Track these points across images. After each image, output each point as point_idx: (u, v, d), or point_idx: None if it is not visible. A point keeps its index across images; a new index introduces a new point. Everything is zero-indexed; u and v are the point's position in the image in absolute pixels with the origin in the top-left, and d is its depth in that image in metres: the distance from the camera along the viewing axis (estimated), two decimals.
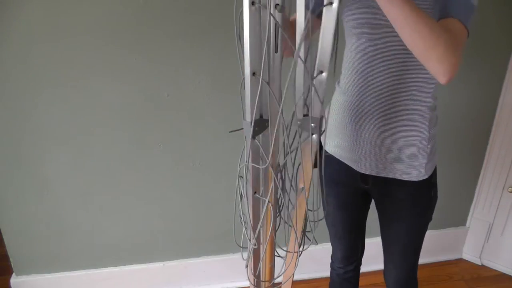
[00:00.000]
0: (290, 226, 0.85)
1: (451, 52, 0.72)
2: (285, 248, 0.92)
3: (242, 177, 0.79)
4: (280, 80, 0.75)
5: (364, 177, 1.08)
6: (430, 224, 1.14)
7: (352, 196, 1.17)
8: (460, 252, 2.10)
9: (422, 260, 1.22)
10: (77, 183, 1.66)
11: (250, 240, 0.85)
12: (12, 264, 1.80)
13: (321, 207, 0.87)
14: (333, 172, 1.12)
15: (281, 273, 0.93)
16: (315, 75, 0.70)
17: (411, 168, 1.02)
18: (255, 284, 0.93)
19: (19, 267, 1.81)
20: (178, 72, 1.52)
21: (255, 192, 0.81)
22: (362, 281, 1.40)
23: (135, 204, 1.73)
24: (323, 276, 1.89)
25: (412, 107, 0.97)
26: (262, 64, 0.68)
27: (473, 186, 1.96)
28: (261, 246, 0.89)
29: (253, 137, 0.74)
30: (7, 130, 1.54)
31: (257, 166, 0.78)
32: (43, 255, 1.79)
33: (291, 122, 0.76)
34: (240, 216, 0.85)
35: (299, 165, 0.82)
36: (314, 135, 0.76)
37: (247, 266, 0.89)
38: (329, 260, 1.38)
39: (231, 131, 0.86)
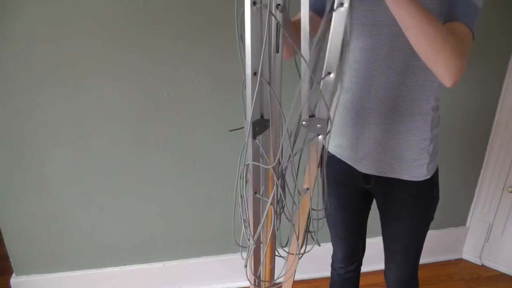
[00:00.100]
0: (293, 225, 0.84)
1: (457, 56, 0.73)
2: (285, 248, 0.92)
3: (243, 177, 0.78)
4: (281, 80, 0.75)
5: (367, 177, 1.08)
6: (430, 224, 1.14)
7: (353, 196, 1.17)
8: (460, 252, 2.10)
9: (422, 260, 1.22)
10: (77, 183, 1.66)
11: (249, 240, 0.85)
12: (12, 264, 1.80)
13: (325, 207, 0.87)
14: (334, 172, 1.12)
15: (281, 274, 0.93)
16: (322, 76, 0.70)
17: (413, 168, 1.02)
18: (255, 284, 0.93)
19: (19, 267, 1.81)
20: (178, 72, 1.52)
21: (256, 192, 0.81)
22: (362, 281, 1.40)
23: (135, 204, 1.73)
24: (323, 276, 1.89)
25: (414, 107, 0.97)
26: (261, 64, 0.68)
27: (473, 186, 1.96)
28: (261, 246, 0.89)
29: (254, 137, 0.74)
30: (7, 130, 1.54)
31: (263, 166, 0.78)
32: (43, 255, 1.79)
33: (298, 123, 0.76)
34: (241, 216, 0.85)
35: (298, 166, 0.82)
36: (320, 136, 0.75)
37: (246, 266, 0.89)
38: (330, 260, 1.38)
39: (231, 130, 0.86)
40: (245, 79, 0.70)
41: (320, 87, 0.71)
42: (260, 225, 0.83)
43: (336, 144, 1.10)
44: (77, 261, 1.81)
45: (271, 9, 0.65)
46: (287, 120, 0.77)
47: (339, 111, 1.06)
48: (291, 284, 0.95)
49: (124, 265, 1.85)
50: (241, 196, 0.81)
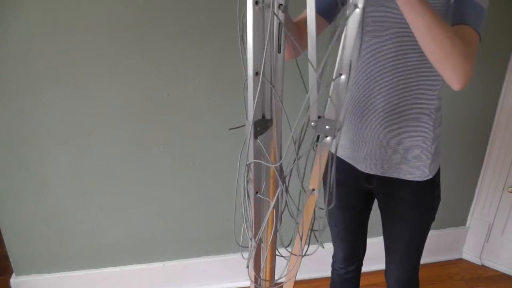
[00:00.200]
0: (297, 223, 0.84)
1: (465, 60, 0.73)
2: (288, 249, 0.92)
3: (244, 177, 0.78)
4: (283, 80, 0.75)
5: (369, 177, 1.09)
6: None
7: (354, 196, 1.17)
8: (460, 252, 2.10)
9: (422, 260, 1.22)
10: (77, 183, 1.66)
11: (251, 240, 0.85)
12: (12, 264, 1.80)
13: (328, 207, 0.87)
14: (336, 172, 1.12)
15: (283, 274, 0.93)
16: (333, 77, 0.70)
17: (416, 168, 1.02)
18: (256, 284, 0.93)
19: (19, 267, 1.81)
20: (178, 72, 1.52)
21: (257, 192, 0.81)
22: (362, 281, 1.40)
23: (135, 204, 1.73)
24: (324, 276, 1.89)
25: (418, 107, 0.97)
26: (263, 64, 0.68)
27: (473, 186, 1.96)
28: (261, 246, 0.89)
29: (256, 137, 0.74)
30: (7, 130, 1.54)
31: (269, 164, 0.77)
32: (43, 255, 1.78)
33: (307, 123, 0.75)
34: (242, 215, 0.85)
35: (305, 167, 0.82)
36: (327, 138, 0.75)
37: (248, 266, 0.89)
38: (330, 260, 1.38)
39: (231, 129, 0.86)
40: (246, 79, 0.70)
41: (331, 89, 0.70)
42: (263, 226, 0.83)
43: (339, 143, 1.10)
44: (77, 261, 1.81)
45: (274, 8, 0.65)
46: (289, 120, 0.77)
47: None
48: (292, 284, 0.95)
49: (124, 265, 1.85)
50: (244, 195, 0.81)
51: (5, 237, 1.73)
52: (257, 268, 0.91)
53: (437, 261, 2.06)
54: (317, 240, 0.85)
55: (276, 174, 0.80)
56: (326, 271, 1.47)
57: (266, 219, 0.82)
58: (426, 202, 1.09)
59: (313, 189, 0.81)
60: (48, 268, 1.81)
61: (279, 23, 0.69)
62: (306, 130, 0.77)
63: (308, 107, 0.73)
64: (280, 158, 0.81)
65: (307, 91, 0.72)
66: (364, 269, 1.38)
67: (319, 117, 0.73)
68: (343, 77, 0.69)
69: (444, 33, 0.71)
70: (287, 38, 0.74)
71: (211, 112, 1.60)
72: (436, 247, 2.01)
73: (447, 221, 2.01)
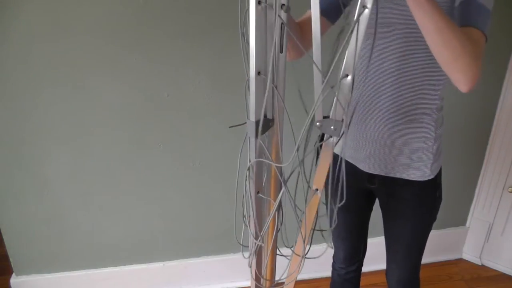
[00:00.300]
0: (300, 221, 0.84)
1: (474, 62, 0.73)
2: (286, 248, 0.92)
3: (246, 177, 0.78)
4: (285, 80, 0.75)
5: (371, 177, 1.09)
6: None
7: (356, 196, 1.17)
8: (460, 252, 2.10)
9: (422, 260, 1.22)
10: (77, 183, 1.66)
11: (256, 239, 0.85)
12: (12, 264, 1.80)
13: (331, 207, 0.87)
14: (337, 171, 1.12)
15: (284, 274, 0.93)
16: (340, 77, 0.70)
17: (418, 168, 1.03)
18: (259, 283, 0.93)
19: (19, 267, 1.81)
20: (178, 72, 1.52)
21: (258, 192, 0.81)
22: (362, 281, 1.39)
23: (135, 204, 1.73)
24: (324, 276, 1.88)
25: (421, 107, 0.97)
26: (270, 64, 0.68)
27: (473, 186, 1.96)
28: (263, 245, 0.89)
29: (257, 136, 0.74)
30: (7, 130, 1.54)
31: (275, 164, 0.77)
32: (43, 255, 1.78)
33: (310, 123, 0.75)
34: (243, 216, 0.85)
35: (312, 167, 0.81)
36: (332, 138, 0.75)
37: (250, 266, 0.89)
38: (330, 260, 1.38)
39: (231, 126, 0.86)
40: (248, 78, 0.70)
41: (337, 89, 0.70)
42: (265, 225, 0.83)
43: (340, 143, 1.10)
44: (77, 261, 1.81)
45: (276, 8, 0.65)
46: (290, 120, 0.77)
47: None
48: (294, 284, 0.95)
49: (124, 265, 1.85)
50: (245, 195, 0.81)
51: (5, 237, 1.73)
52: (258, 267, 0.91)
53: (437, 261, 2.06)
54: (323, 236, 0.85)
55: (278, 174, 0.80)
56: (326, 271, 1.47)
57: (269, 219, 0.82)
58: (428, 202, 1.09)
59: (317, 189, 0.81)
60: (48, 268, 1.81)
61: (281, 23, 0.69)
62: (311, 129, 0.77)
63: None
64: (281, 158, 0.81)
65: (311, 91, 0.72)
66: (365, 269, 1.38)
67: (324, 117, 0.73)
68: (349, 77, 0.69)
69: (454, 35, 0.71)
70: (290, 39, 0.74)
71: (211, 112, 1.60)
72: (436, 247, 2.01)
73: (447, 221, 2.01)
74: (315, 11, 0.66)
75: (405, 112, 0.97)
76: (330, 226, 0.85)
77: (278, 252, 0.95)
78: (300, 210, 0.83)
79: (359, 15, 0.63)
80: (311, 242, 0.87)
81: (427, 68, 0.92)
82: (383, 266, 1.26)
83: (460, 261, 2.09)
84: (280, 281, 0.95)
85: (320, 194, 0.81)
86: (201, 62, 1.52)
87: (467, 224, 2.05)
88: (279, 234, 0.90)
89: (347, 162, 1.11)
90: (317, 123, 0.74)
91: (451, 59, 0.73)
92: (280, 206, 0.85)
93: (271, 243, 0.89)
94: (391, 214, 1.14)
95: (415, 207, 1.09)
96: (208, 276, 1.92)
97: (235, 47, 0.71)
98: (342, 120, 0.72)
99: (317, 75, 0.70)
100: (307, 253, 0.86)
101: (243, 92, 0.73)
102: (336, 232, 1.26)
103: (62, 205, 1.69)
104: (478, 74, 0.75)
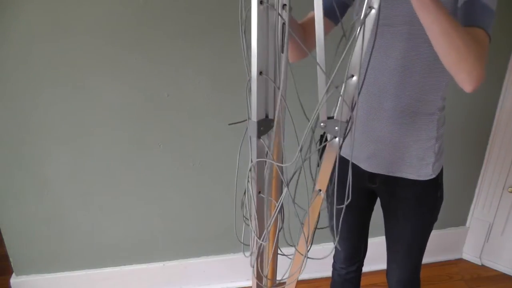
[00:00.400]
0: (302, 223, 0.84)
1: (478, 63, 0.73)
2: (287, 248, 0.92)
3: (248, 177, 0.78)
4: (287, 80, 0.75)
5: (372, 176, 1.09)
6: None
7: (357, 196, 1.17)
8: (460, 252, 2.10)
9: (422, 260, 1.22)
10: (77, 183, 1.66)
11: (259, 239, 0.85)
12: (12, 264, 1.80)
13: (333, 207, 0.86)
14: (338, 171, 1.12)
15: (286, 273, 0.93)
16: (345, 78, 0.69)
17: (419, 167, 1.03)
18: (260, 281, 0.93)
19: (19, 267, 1.81)
20: (178, 72, 1.52)
21: (259, 192, 0.81)
22: (362, 281, 1.39)
23: (135, 204, 1.73)
24: (324, 276, 1.88)
25: (424, 106, 0.98)
26: (267, 63, 0.68)
27: (473, 186, 1.96)
28: (265, 245, 0.89)
29: (259, 136, 0.74)
30: (7, 130, 1.54)
31: (279, 164, 0.77)
32: (43, 255, 1.78)
33: (314, 122, 0.75)
34: (243, 215, 0.85)
35: (317, 166, 0.81)
36: (336, 138, 0.75)
37: (253, 266, 0.89)
38: (330, 260, 1.38)
39: (231, 124, 0.86)
40: (250, 78, 0.70)
41: (343, 90, 0.70)
42: (268, 225, 0.83)
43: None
44: (77, 261, 1.81)
45: (278, 9, 0.65)
46: (293, 120, 0.77)
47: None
48: (295, 284, 0.95)
49: (124, 265, 1.85)
50: (246, 195, 0.81)
51: (5, 237, 1.73)
52: (260, 266, 0.91)
53: (437, 261, 2.06)
54: (334, 236, 0.85)
55: (280, 174, 0.80)
56: (326, 271, 1.47)
57: (272, 218, 0.82)
58: (429, 202, 1.09)
59: (320, 190, 0.81)
60: (48, 268, 1.81)
61: (283, 23, 0.69)
62: (314, 130, 0.77)
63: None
64: (283, 158, 0.81)
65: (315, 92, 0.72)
66: (365, 269, 1.38)
67: (328, 118, 0.73)
68: (354, 78, 0.69)
69: (458, 36, 0.71)
70: (293, 40, 0.74)
71: (211, 112, 1.60)
72: (436, 247, 2.01)
73: (447, 221, 2.01)
74: (318, 12, 0.65)
75: (408, 111, 0.98)
76: (335, 228, 0.85)
77: (279, 252, 0.95)
78: (303, 209, 0.83)
79: (365, 15, 0.63)
80: (312, 242, 0.87)
81: (431, 67, 0.93)
82: (383, 266, 1.26)
83: (460, 261, 2.09)
84: (282, 281, 0.95)
85: (323, 195, 0.81)
86: (201, 62, 1.52)
87: (467, 224, 2.05)
88: (280, 233, 0.90)
89: (348, 162, 1.10)
90: (321, 124, 0.74)
91: (456, 60, 0.73)
92: (281, 206, 0.85)
93: (273, 243, 0.90)
94: (392, 214, 1.14)
95: (416, 206, 1.09)
96: (208, 276, 1.92)
97: (235, 47, 0.71)
98: (347, 121, 0.72)
99: (321, 76, 0.70)
100: (308, 250, 0.86)
101: (244, 92, 0.73)
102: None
103: (62, 205, 1.69)
104: (483, 74, 0.75)
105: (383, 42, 0.94)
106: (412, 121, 0.99)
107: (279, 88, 0.73)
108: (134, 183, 1.69)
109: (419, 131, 1.00)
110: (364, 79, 0.98)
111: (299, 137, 0.76)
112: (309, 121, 0.78)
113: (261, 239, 0.84)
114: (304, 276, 1.94)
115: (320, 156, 0.81)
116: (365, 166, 1.08)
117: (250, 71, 0.69)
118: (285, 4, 0.67)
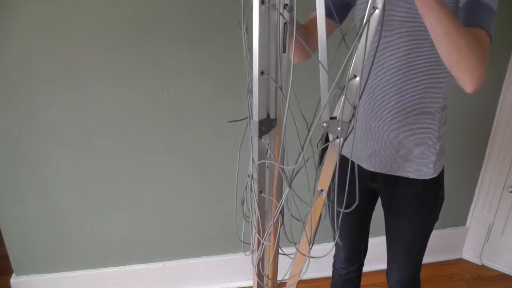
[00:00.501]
0: (304, 223, 0.84)
1: (479, 63, 0.74)
2: (287, 247, 0.92)
3: (250, 177, 0.78)
4: (288, 80, 0.75)
5: (373, 175, 1.09)
6: None
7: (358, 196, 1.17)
8: (460, 252, 2.10)
9: (423, 260, 1.22)
10: (77, 183, 1.66)
11: (261, 239, 0.85)
12: (12, 264, 1.80)
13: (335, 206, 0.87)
14: (339, 171, 1.12)
15: (287, 273, 0.93)
16: (348, 79, 0.69)
17: (421, 167, 1.03)
18: (261, 281, 0.93)
19: (19, 267, 1.81)
20: (178, 72, 1.52)
21: (261, 192, 0.81)
22: (363, 281, 1.40)
23: (135, 204, 1.73)
24: (324, 276, 1.88)
25: (425, 106, 0.98)
26: (269, 63, 0.68)
27: (473, 186, 1.96)
28: (266, 245, 0.89)
29: (260, 136, 0.74)
30: (8, 130, 1.54)
31: (281, 166, 0.77)
32: (43, 255, 1.78)
33: (314, 122, 0.75)
34: (243, 216, 0.85)
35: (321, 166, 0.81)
36: (339, 139, 0.75)
37: (255, 266, 0.89)
38: (330, 260, 1.38)
39: (230, 121, 0.86)
40: (251, 78, 0.69)
41: (345, 90, 0.70)
42: (269, 225, 0.83)
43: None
44: (77, 261, 1.81)
45: (280, 8, 0.65)
46: (295, 120, 0.77)
47: None
48: (296, 284, 0.95)
49: (124, 265, 1.85)
50: (251, 195, 0.81)
51: (5, 237, 1.73)
52: (262, 266, 0.91)
53: (437, 261, 2.06)
54: (335, 235, 0.85)
55: (282, 174, 0.80)
56: (326, 271, 1.47)
57: (274, 218, 0.82)
58: (430, 202, 1.09)
59: (322, 190, 0.81)
60: (48, 268, 1.81)
61: (285, 23, 0.69)
62: (310, 129, 0.77)
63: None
64: (286, 158, 0.81)
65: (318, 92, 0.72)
66: (365, 269, 1.38)
67: (331, 118, 0.73)
68: (357, 78, 0.69)
69: (460, 36, 0.71)
70: (296, 41, 0.73)
71: (211, 112, 1.60)
72: (436, 247, 2.01)
73: (447, 221, 2.01)
74: (320, 12, 0.66)
75: (410, 110, 0.98)
76: (336, 223, 0.85)
77: (280, 251, 0.95)
78: (307, 204, 0.83)
79: (369, 16, 0.63)
80: (313, 241, 0.87)
81: (433, 66, 0.93)
82: (383, 266, 1.26)
83: (460, 261, 2.09)
84: (283, 281, 0.95)
85: (325, 195, 0.81)
86: (201, 63, 1.52)
87: (467, 224, 2.05)
88: (281, 232, 0.90)
89: (349, 161, 1.10)
90: (324, 124, 0.74)
91: (457, 60, 0.74)
92: (283, 206, 0.85)
93: (274, 242, 0.90)
94: (393, 213, 1.14)
95: (417, 206, 1.09)
96: (208, 276, 1.92)
97: (235, 47, 0.71)
98: (349, 121, 0.72)
99: (323, 76, 0.70)
100: (310, 249, 0.86)
101: (244, 92, 0.73)
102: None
103: (62, 205, 1.69)
104: (484, 74, 0.75)
105: (386, 41, 0.94)
106: (415, 120, 0.99)
107: (281, 88, 0.73)
108: (134, 183, 1.69)
109: (421, 130, 1.00)
110: (367, 79, 0.99)
111: (300, 137, 0.76)
112: (307, 122, 0.79)
113: (263, 238, 0.84)
114: (304, 276, 1.94)
115: (321, 156, 0.81)
116: (366, 165, 1.08)
117: (251, 70, 0.69)
118: (286, 4, 0.67)
